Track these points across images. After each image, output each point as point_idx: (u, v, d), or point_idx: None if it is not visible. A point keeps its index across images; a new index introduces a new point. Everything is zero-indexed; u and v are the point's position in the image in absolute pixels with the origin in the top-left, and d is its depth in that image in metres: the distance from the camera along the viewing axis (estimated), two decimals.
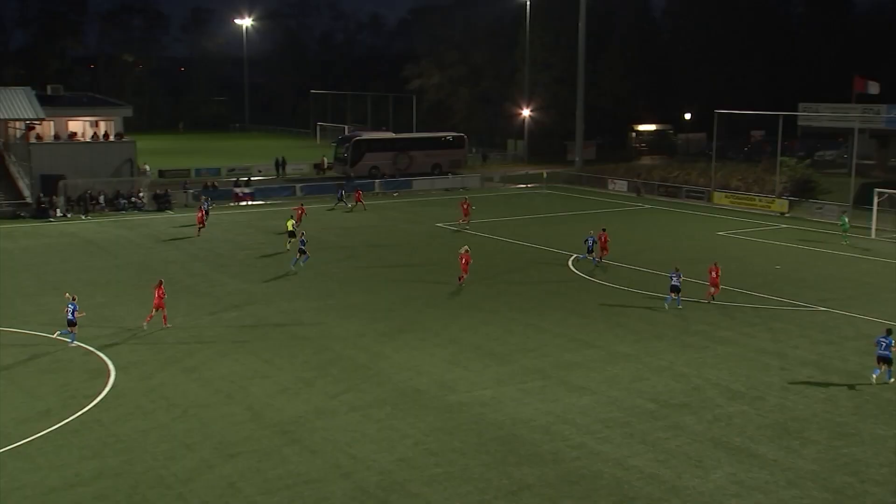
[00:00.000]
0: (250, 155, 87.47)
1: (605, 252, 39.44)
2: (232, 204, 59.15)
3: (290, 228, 43.13)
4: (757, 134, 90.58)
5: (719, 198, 59.64)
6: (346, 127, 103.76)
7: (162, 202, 56.51)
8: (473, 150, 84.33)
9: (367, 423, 21.56)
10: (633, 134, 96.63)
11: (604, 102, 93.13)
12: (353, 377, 24.83)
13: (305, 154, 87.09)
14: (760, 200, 57.51)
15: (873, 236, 46.48)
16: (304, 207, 50.03)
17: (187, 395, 23.50)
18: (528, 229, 49.31)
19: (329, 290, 35.02)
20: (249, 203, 59.67)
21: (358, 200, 56.69)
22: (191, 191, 59.70)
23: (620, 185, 66.95)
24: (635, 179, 67.05)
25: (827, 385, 24.19)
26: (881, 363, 24.63)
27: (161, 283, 29.51)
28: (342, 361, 26.26)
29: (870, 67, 78.25)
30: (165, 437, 20.76)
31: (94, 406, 22.61)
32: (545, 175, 69.87)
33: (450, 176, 70.92)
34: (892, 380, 24.52)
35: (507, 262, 40.56)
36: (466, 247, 36.70)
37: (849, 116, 65.04)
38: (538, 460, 19.52)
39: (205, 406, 22.69)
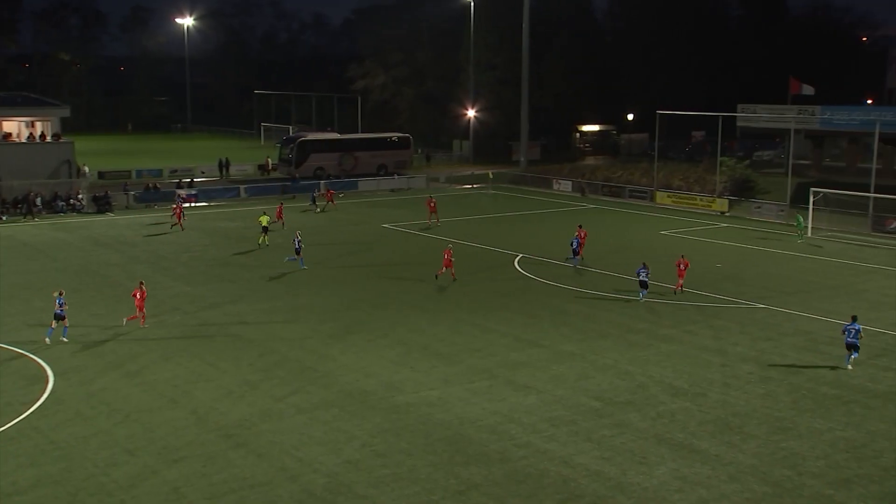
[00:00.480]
0: (193, 156, 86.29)
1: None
2: (174, 205, 58.20)
3: (264, 224, 43.91)
4: (698, 134, 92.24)
5: (662, 197, 60.56)
6: (290, 127, 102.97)
7: (102, 204, 55.42)
8: (419, 151, 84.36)
9: (313, 426, 21.42)
10: (577, 134, 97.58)
11: (548, 103, 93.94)
12: (299, 379, 24.65)
13: (249, 155, 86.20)
14: (701, 200, 58.53)
15: (809, 234, 47.63)
16: (282, 205, 51.40)
17: (129, 399, 23.09)
18: (475, 229, 49.48)
19: (275, 292, 34.71)
20: (193, 205, 58.82)
21: (329, 200, 57.04)
22: (132, 192, 58.67)
23: (565, 186, 67.57)
24: (579, 179, 67.73)
25: (766, 381, 24.72)
26: (850, 350, 25.68)
27: (142, 283, 29.92)
28: (288, 364, 26.05)
29: (805, 69, 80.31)
30: (107, 443, 20.37)
31: (32, 413, 22.09)
32: (491, 175, 70.20)
33: (395, 177, 70.83)
34: (850, 366, 25.48)
35: (455, 262, 40.55)
36: (450, 245, 37.78)
37: (785, 117, 66.54)
38: (485, 460, 19.61)
39: (147, 411, 22.32)
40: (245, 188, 63.18)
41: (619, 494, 18.06)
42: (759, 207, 55.27)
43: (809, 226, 48.01)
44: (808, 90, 66.62)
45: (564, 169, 74.23)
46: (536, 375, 25.06)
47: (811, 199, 48.83)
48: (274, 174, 74.00)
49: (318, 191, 59.45)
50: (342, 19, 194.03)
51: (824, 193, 49.19)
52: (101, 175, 69.52)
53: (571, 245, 39.66)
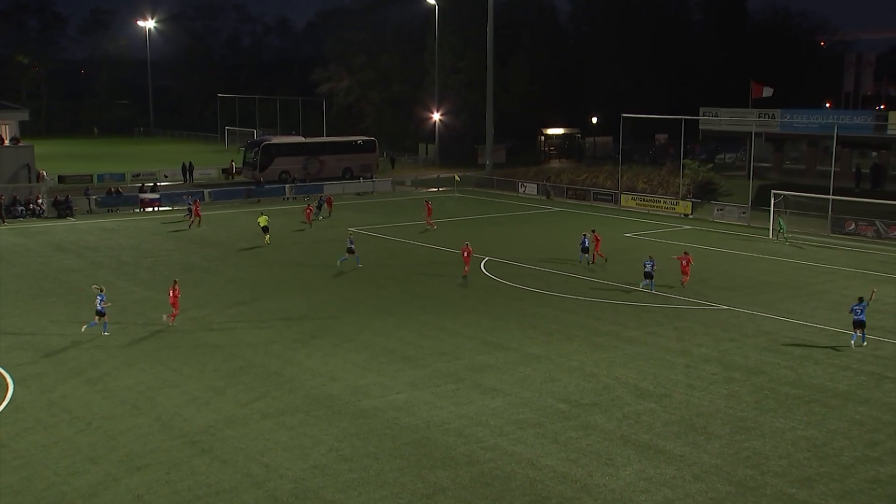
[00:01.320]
0: (156, 160, 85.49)
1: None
2: (137, 210, 57.67)
3: (263, 224, 45.34)
4: (661, 137, 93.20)
5: (626, 200, 61.05)
6: (255, 131, 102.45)
7: (62, 209, 54.63)
8: (384, 155, 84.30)
9: (279, 431, 21.28)
10: (542, 138, 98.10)
11: (513, 106, 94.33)
12: (264, 384, 24.48)
13: (214, 159, 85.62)
14: (665, 202, 59.09)
15: (771, 236, 48.29)
16: (311, 207, 52.30)
17: (91, 407, 22.77)
18: (440, 233, 49.51)
19: (240, 297, 34.45)
20: (156, 209, 58.25)
21: (328, 207, 55.54)
22: (93, 197, 57.94)
23: (531, 189, 67.87)
24: (545, 183, 68.08)
25: (729, 381, 24.99)
26: (857, 328, 27.88)
27: (176, 282, 30.40)
28: (253, 369, 25.86)
29: (765, 73, 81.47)
30: (68, 451, 20.07)
31: None
32: (457, 178, 70.31)
33: (361, 180, 70.69)
34: (865, 343, 27.77)
35: (420, 266, 40.64)
36: (467, 241, 38.83)
37: (746, 121, 67.45)
38: (452, 463, 19.61)
39: (110, 418, 22.03)
40: (209, 192, 62.66)
41: (586, 496, 18.16)
42: (721, 210, 55.92)
43: (771, 227, 48.69)
44: (767, 92, 67.60)
45: (530, 172, 74.61)
46: (503, 378, 25.11)
47: (772, 202, 49.51)
48: (238, 178, 73.54)
49: (317, 196, 57.55)
50: (306, 22, 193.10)
51: (785, 196, 49.90)
52: (61, 179, 68.60)
53: (582, 243, 40.23)
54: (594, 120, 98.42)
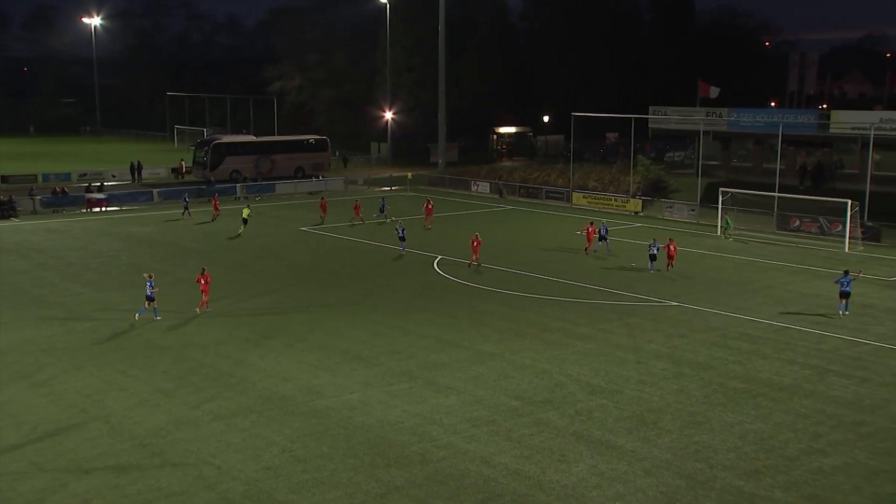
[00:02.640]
0: (104, 159, 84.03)
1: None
2: (84, 210, 56.64)
3: (244, 216, 48.76)
4: (612, 136, 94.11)
5: (578, 198, 61.57)
6: (204, 130, 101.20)
7: (6, 209, 53.41)
8: (336, 154, 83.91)
9: (231, 433, 21.07)
10: (494, 136, 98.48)
11: (465, 105, 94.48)
12: (215, 386, 24.22)
13: (163, 158, 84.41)
14: (616, 200, 59.71)
15: (719, 233, 49.07)
16: (325, 199, 53.61)
17: (37, 411, 22.31)
18: (394, 231, 49.37)
19: (189, 298, 33.99)
20: (104, 209, 57.27)
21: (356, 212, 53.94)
22: (38, 197, 56.75)
23: (483, 187, 68.09)
24: (497, 181, 68.35)
25: (679, 377, 25.36)
26: (842, 298, 31.47)
27: (204, 269, 31.82)
28: (204, 370, 25.57)
29: (713, 72, 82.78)
30: (13, 457, 19.64)
31: None
32: (409, 177, 70.25)
33: (313, 179, 70.28)
34: (848, 312, 31.24)
35: (373, 265, 40.54)
36: (477, 233, 40.52)
37: (694, 119, 68.42)
38: (406, 462, 19.61)
39: (56, 422, 21.61)
40: (158, 192, 61.78)
41: (539, 492, 18.28)
42: (670, 207, 56.68)
43: (719, 224, 49.48)
44: (714, 93, 68.66)
45: (482, 170, 74.87)
46: (456, 376, 25.17)
47: (720, 199, 50.32)
48: (188, 177, 72.64)
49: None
50: (256, 20, 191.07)
51: (732, 193, 50.76)
52: (4, 179, 67.10)
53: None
54: (545, 118, 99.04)
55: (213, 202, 54.42)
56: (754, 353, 27.47)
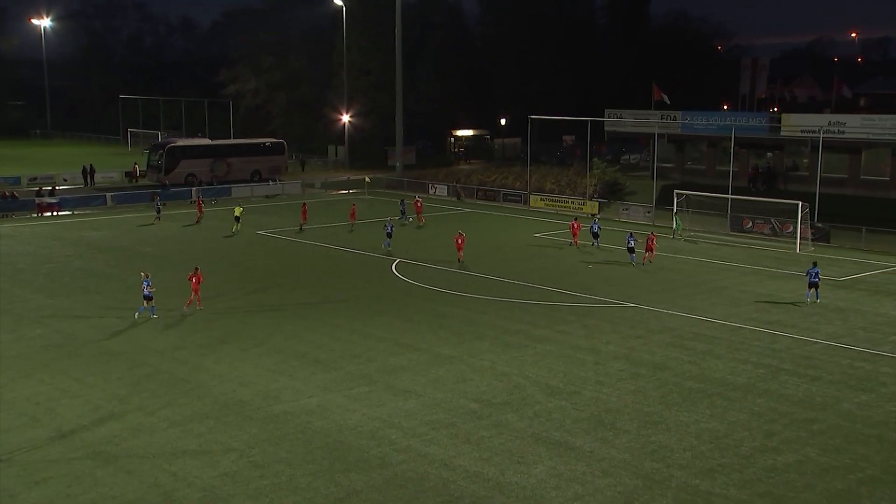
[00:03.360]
0: (55, 163, 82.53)
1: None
2: (35, 215, 55.58)
3: (237, 214, 50.33)
4: (568, 139, 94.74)
5: (535, 201, 61.89)
6: (159, 133, 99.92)
7: None
8: (293, 157, 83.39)
9: (187, 439, 20.82)
10: (452, 139, 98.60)
11: (422, 108, 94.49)
12: (171, 392, 23.91)
13: (116, 162, 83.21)
14: (573, 202, 60.14)
15: (673, 236, 49.62)
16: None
17: None
18: (352, 235, 49.28)
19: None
20: (56, 214, 56.27)
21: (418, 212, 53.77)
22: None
23: (441, 190, 68.17)
24: (455, 184, 68.46)
25: (636, 377, 25.60)
26: (811, 288, 33.88)
27: (197, 268, 32.36)
28: (159, 376, 25.23)
29: (668, 76, 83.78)
30: None
31: None
32: (367, 180, 70.08)
33: (270, 182, 69.78)
34: (819, 300, 33.76)
35: (331, 269, 40.36)
36: (461, 230, 42.49)
37: (649, 122, 69.21)
38: (365, 466, 19.53)
39: (6, 431, 21.15)
40: (112, 196, 60.85)
41: (498, 494, 18.33)
42: (626, 209, 57.24)
43: (674, 226, 50.05)
44: (665, 98, 69.50)
45: (440, 173, 74.92)
46: (415, 379, 25.14)
47: (675, 201, 50.93)
48: (143, 181, 71.69)
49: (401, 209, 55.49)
50: (210, 22, 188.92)
51: (687, 195, 51.40)
52: None
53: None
54: (503, 121, 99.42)
55: (198, 204, 54.66)
56: (709, 353, 27.85)
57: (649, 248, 41.07)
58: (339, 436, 21.11)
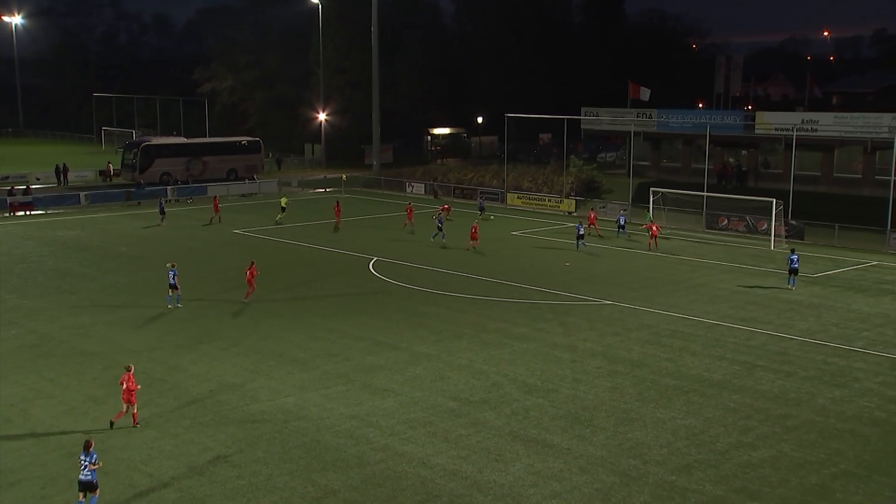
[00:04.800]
0: (27, 162, 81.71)
1: (594, 226, 48.04)
2: (7, 214, 54.98)
3: (283, 204, 53.59)
4: (545, 137, 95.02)
5: (512, 199, 62.01)
6: (133, 132, 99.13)
7: None
8: (269, 155, 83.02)
9: (163, 439, 20.69)
10: (429, 137, 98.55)
11: (399, 106, 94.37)
12: (148, 392, 23.72)
13: (90, 160, 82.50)
14: (550, 200, 60.31)
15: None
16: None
17: None
18: (328, 233, 49.13)
19: (119, 302, 33.30)
20: (28, 213, 55.68)
21: (446, 212, 52.90)
22: None
23: (418, 188, 68.12)
24: (432, 182, 68.44)
25: (613, 374, 25.73)
26: (791, 274, 35.68)
27: (253, 263, 33.61)
28: (136, 376, 24.91)
29: (643, 74, 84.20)
30: None
31: None
32: (344, 179, 69.89)
33: (246, 181, 69.43)
34: (794, 287, 35.25)
35: (308, 268, 40.22)
36: (476, 221, 47.09)
37: (625, 120, 69.55)
38: (343, 465, 19.50)
39: None
40: (85, 195, 60.30)
41: (476, 492, 18.36)
42: (603, 207, 57.46)
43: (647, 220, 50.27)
44: (644, 94, 69.86)
45: (417, 172, 74.84)
46: (393, 378, 25.12)
47: (651, 199, 51.21)
48: (117, 180, 71.09)
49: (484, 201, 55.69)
50: (186, 20, 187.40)
51: (663, 193, 51.70)
52: None
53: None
54: (479, 120, 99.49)
55: (215, 203, 54.23)
56: (685, 350, 28.03)
57: (653, 234, 44.88)
58: (317, 435, 21.06)
